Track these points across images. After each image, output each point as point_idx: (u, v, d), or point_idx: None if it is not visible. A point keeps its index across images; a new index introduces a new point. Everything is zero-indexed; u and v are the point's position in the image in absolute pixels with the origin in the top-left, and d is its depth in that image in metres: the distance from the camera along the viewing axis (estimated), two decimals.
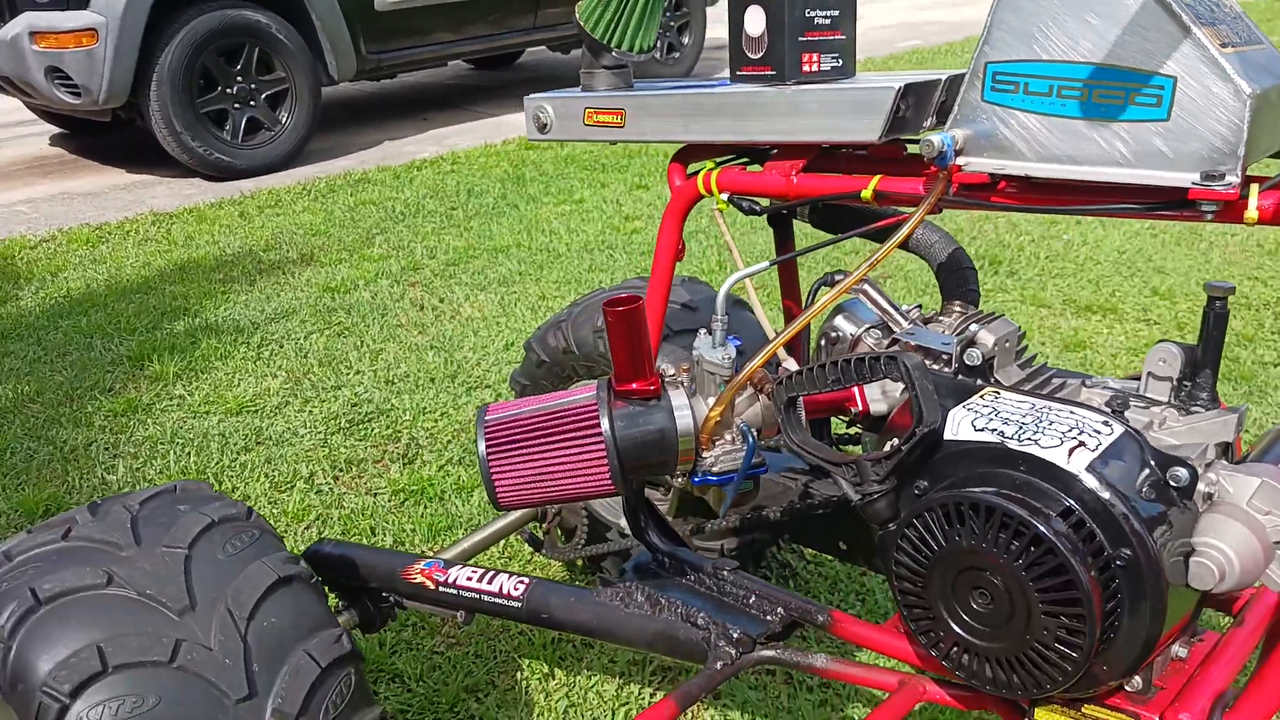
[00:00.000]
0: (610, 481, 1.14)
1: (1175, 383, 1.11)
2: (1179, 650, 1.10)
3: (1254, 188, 0.95)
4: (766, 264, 1.20)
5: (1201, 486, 0.99)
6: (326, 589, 1.66)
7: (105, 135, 6.71)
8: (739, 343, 1.22)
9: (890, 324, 1.22)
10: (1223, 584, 0.95)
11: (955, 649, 1.04)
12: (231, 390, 3.13)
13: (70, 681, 1.17)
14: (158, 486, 1.47)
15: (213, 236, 4.64)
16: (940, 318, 1.25)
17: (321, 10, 5.81)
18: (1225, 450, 1.08)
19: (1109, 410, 1.05)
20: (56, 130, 6.89)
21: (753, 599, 1.31)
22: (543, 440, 1.16)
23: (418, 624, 2.09)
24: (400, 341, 3.45)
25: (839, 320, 1.26)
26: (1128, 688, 1.05)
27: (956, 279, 1.29)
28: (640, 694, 1.89)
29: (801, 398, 1.12)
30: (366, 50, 6.13)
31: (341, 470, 2.68)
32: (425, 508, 2.50)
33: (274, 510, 2.51)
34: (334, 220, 4.80)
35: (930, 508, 0.98)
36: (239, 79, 5.59)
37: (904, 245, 1.35)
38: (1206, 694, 1.02)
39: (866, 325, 1.24)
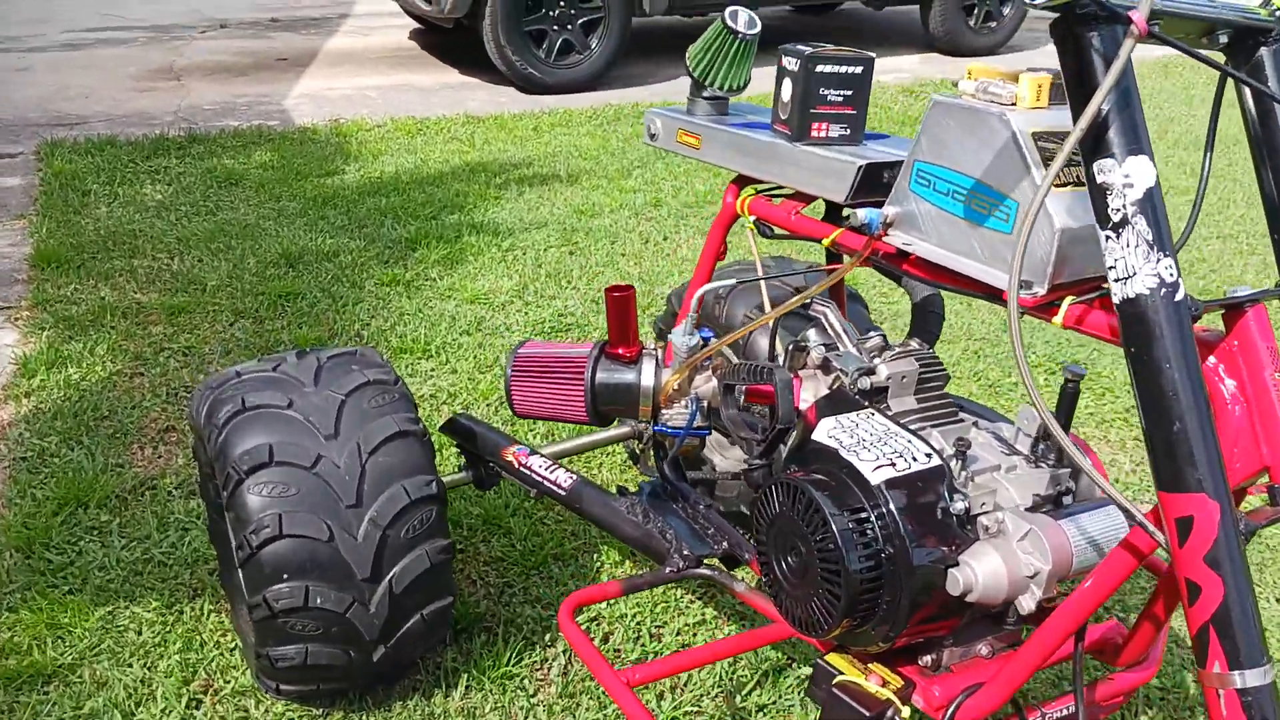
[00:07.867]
0: (586, 413, 1.56)
1: (1034, 439, 1.35)
2: (982, 649, 1.36)
3: (1068, 299, 1.18)
4: (734, 282, 1.54)
5: (985, 520, 1.25)
6: (457, 450, 2.17)
7: (449, 35, 7.67)
8: (709, 334, 1.57)
9: (838, 344, 1.52)
10: (971, 595, 1.23)
11: (777, 589, 1.37)
12: (473, 282, 3.79)
13: (248, 464, 1.77)
14: (345, 348, 2.05)
15: (504, 145, 5.36)
16: (893, 348, 1.53)
17: None
18: (1059, 498, 1.33)
19: (949, 447, 1.31)
20: (415, 26, 7.97)
21: (711, 530, 1.69)
22: (549, 375, 1.60)
23: (538, 501, 2.62)
24: (617, 268, 3.96)
25: (810, 332, 1.57)
26: (920, 662, 1.35)
27: (921, 319, 1.56)
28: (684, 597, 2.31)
29: (741, 385, 1.47)
30: None
31: None
32: None
33: (470, 384, 3.12)
34: (607, 148, 5.37)
35: (774, 483, 1.31)
36: (561, 3, 6.25)
37: (901, 284, 1.63)
38: (968, 681, 1.29)
39: (822, 341, 1.55)
